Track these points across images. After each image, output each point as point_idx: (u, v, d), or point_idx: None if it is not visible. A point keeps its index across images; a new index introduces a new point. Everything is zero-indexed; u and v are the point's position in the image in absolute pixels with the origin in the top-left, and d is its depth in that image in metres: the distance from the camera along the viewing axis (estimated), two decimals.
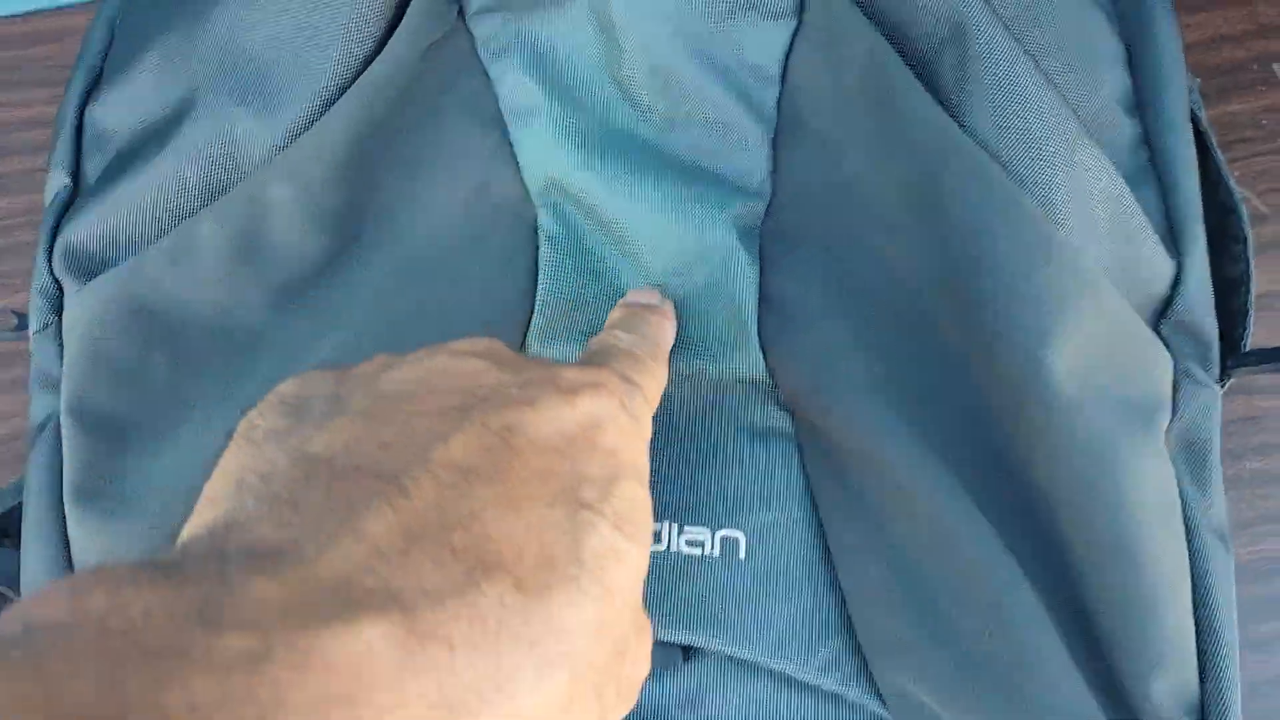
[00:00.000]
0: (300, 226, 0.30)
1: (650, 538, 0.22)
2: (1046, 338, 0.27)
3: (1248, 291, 0.31)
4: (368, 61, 0.30)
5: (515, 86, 0.30)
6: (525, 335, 0.30)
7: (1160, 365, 0.28)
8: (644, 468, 0.23)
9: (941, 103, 0.28)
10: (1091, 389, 0.27)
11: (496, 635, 0.17)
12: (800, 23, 0.30)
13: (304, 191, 0.30)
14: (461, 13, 0.31)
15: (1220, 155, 0.31)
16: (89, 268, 0.30)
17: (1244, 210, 0.31)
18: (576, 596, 0.18)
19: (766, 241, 0.30)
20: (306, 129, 0.30)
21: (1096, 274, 0.27)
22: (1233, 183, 0.31)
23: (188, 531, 0.18)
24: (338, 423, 0.19)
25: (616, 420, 0.22)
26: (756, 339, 0.29)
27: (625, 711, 0.21)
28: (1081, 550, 0.27)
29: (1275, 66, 0.41)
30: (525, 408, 0.20)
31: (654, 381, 0.25)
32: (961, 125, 0.28)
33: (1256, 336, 0.30)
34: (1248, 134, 0.40)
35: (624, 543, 0.20)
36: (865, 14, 0.29)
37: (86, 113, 0.31)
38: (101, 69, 0.32)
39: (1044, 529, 0.27)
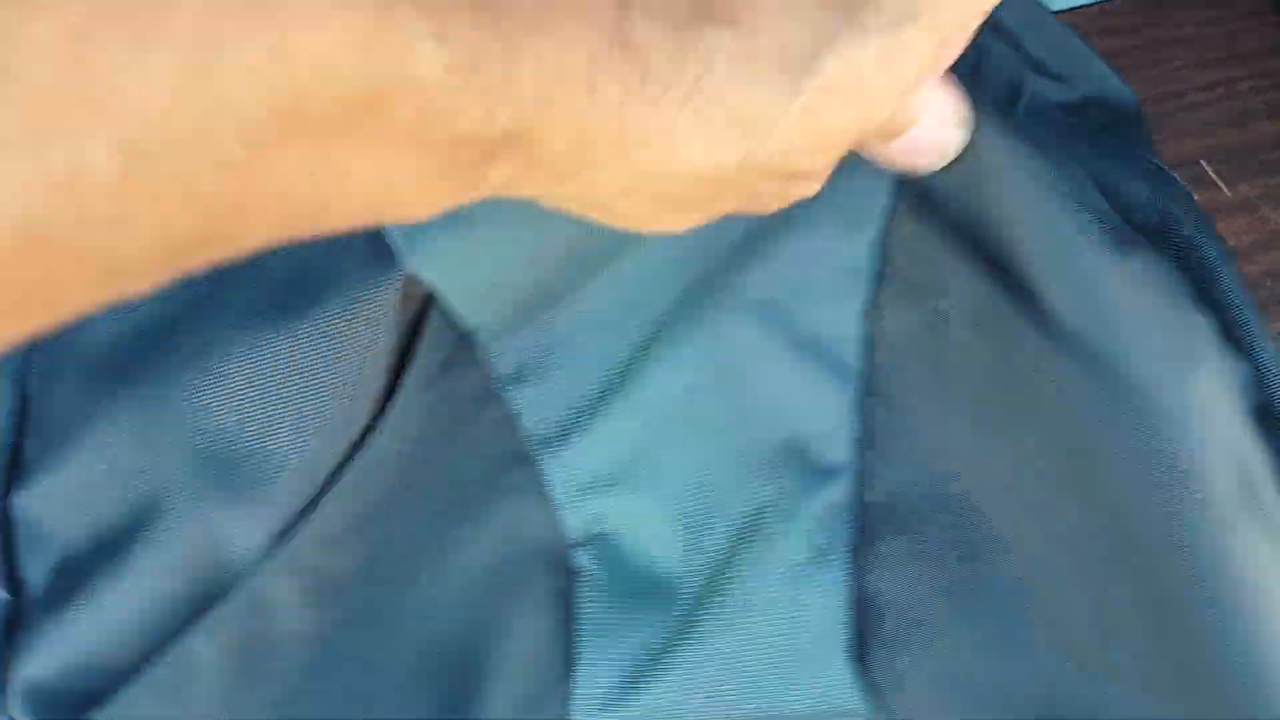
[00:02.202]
0: (308, 616, 0.26)
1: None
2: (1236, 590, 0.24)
3: None
4: (369, 430, 0.27)
5: (540, 412, 0.27)
6: (570, 705, 0.26)
7: None
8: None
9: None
10: None
11: (686, 82, 0.16)
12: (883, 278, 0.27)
13: (310, 581, 0.26)
14: (465, 338, 0.27)
15: None
16: (55, 707, 0.26)
17: None
18: (779, 96, 0.17)
19: (861, 524, 0.26)
20: (308, 511, 0.26)
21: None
22: None
23: None
24: None
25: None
26: (850, 661, 0.25)
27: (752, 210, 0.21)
28: None
29: None
30: None
31: None
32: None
33: None
34: None
35: (877, 77, 0.17)
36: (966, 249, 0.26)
37: (12, 502, 0.27)
38: (19, 443, 0.27)
39: None
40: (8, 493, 0.27)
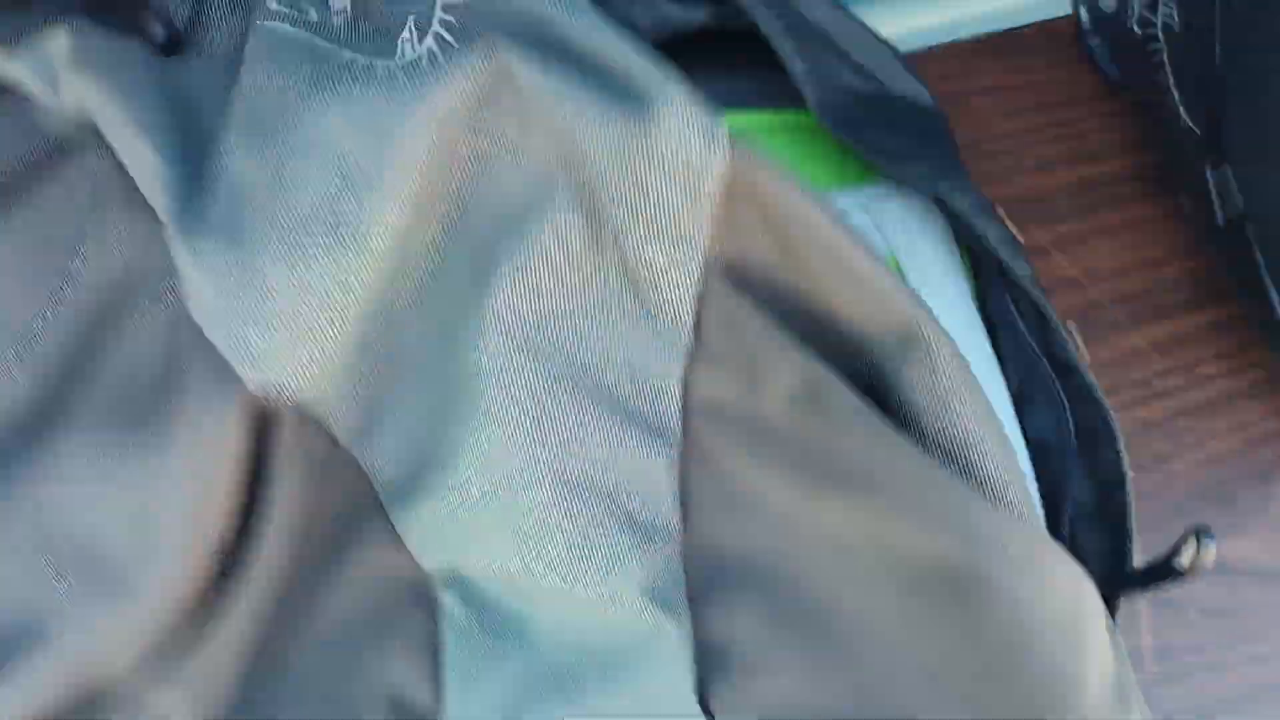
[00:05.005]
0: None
1: None
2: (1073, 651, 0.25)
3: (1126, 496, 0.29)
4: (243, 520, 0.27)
5: (384, 466, 0.27)
6: None
7: None
8: None
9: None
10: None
11: None
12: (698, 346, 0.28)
13: (193, 689, 0.26)
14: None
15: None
16: None
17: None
18: None
19: (692, 577, 0.27)
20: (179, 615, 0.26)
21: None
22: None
23: None
24: None
25: None
26: (696, 703, 0.26)
27: None
28: None
29: None
30: None
31: None
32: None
33: None
34: None
35: None
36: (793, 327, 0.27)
37: None
38: None
39: None
40: None
